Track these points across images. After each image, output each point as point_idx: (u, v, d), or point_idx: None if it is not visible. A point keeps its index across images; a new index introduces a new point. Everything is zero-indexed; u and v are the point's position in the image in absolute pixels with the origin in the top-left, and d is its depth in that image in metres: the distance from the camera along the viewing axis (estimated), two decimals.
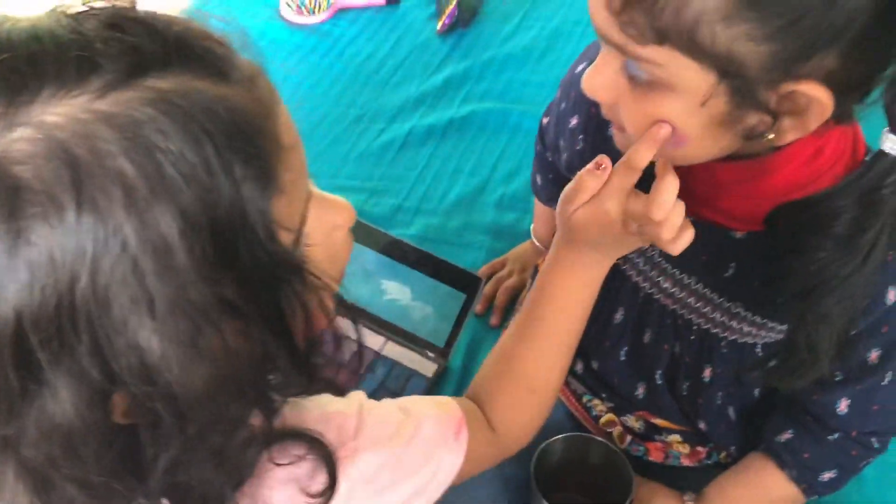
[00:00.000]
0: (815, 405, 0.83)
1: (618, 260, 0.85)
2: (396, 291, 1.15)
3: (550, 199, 1.09)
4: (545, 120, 0.99)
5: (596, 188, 0.69)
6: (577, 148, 0.86)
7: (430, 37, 1.64)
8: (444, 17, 1.63)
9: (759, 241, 0.73)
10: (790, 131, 0.61)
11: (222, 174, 0.42)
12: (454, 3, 1.62)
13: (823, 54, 0.56)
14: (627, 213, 0.68)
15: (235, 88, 0.45)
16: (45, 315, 0.40)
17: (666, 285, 0.82)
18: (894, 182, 0.61)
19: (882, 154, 0.60)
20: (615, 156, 0.75)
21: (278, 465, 0.57)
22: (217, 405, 0.47)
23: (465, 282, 1.15)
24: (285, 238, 0.48)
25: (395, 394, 1.08)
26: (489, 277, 1.22)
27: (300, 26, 1.64)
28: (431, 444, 0.69)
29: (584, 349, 0.96)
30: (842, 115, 0.64)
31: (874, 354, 0.76)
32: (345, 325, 1.12)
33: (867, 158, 0.65)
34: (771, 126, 0.61)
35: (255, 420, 0.55)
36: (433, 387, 1.10)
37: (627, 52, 0.59)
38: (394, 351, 1.13)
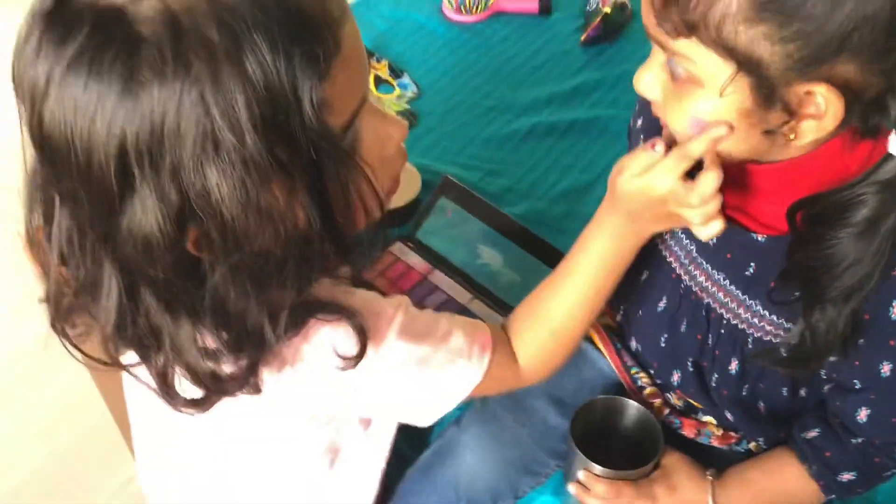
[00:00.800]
0: (839, 411, 0.89)
1: (664, 252, 0.95)
2: (490, 257, 1.29)
3: None
4: (632, 122, 1.10)
5: (647, 164, 0.78)
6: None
7: (573, 46, 1.76)
8: (588, 30, 1.74)
9: (777, 245, 0.81)
10: (809, 133, 0.70)
11: (282, 55, 0.57)
12: (600, 17, 1.73)
13: (837, 60, 0.64)
14: (672, 193, 0.77)
15: None
16: (142, 137, 0.56)
17: (701, 279, 0.90)
18: None
19: (890, 157, 0.68)
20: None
21: (318, 321, 0.70)
22: (259, 247, 0.61)
23: (553, 258, 1.26)
24: (335, 123, 0.62)
25: None
26: None
27: (457, 23, 1.81)
28: (457, 353, 0.80)
29: (632, 333, 1.06)
30: (869, 129, 0.71)
31: (886, 367, 0.81)
32: (438, 278, 1.28)
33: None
34: (789, 124, 0.69)
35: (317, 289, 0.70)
36: None
37: (665, 46, 0.70)
38: (478, 308, 1.25)
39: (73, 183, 0.59)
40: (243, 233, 0.60)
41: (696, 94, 0.70)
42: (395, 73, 1.68)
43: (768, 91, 0.67)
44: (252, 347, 0.68)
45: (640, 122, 0.97)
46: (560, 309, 0.87)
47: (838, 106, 0.66)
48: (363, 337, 0.72)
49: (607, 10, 1.74)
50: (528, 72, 1.69)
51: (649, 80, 0.75)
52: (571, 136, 1.55)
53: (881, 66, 0.65)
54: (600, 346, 1.10)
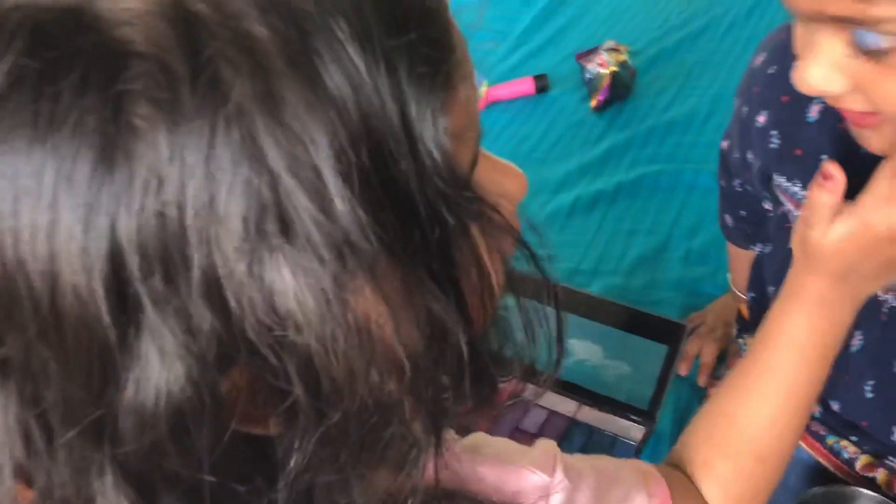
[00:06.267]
0: None
1: None
2: (585, 351, 1.03)
3: (747, 239, 0.96)
4: (725, 143, 0.89)
5: (833, 204, 0.58)
6: (772, 147, 0.74)
7: (584, 115, 1.59)
8: (598, 95, 1.58)
9: None
10: None
11: (383, 61, 0.32)
12: (607, 80, 1.58)
13: None
14: None
15: None
16: (148, 235, 0.30)
17: None
18: None
19: None
20: (815, 140, 0.63)
21: None
22: (368, 396, 0.35)
23: (665, 332, 1.01)
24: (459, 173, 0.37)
25: None
26: (689, 333, 1.08)
27: None
28: None
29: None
30: None
31: None
32: (531, 392, 0.99)
33: None
34: None
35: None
36: (641, 453, 0.95)
37: (859, 16, 0.48)
38: (590, 416, 0.99)
39: (26, 341, 0.32)
40: (342, 373, 0.34)
41: None
42: None
43: None
44: None
45: (762, 117, 0.75)
46: (764, 422, 0.62)
47: None
48: None
49: (614, 68, 1.58)
50: (547, 149, 1.51)
51: (824, 73, 0.53)
52: (621, 201, 1.35)
53: None
54: None
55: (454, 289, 0.36)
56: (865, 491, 0.75)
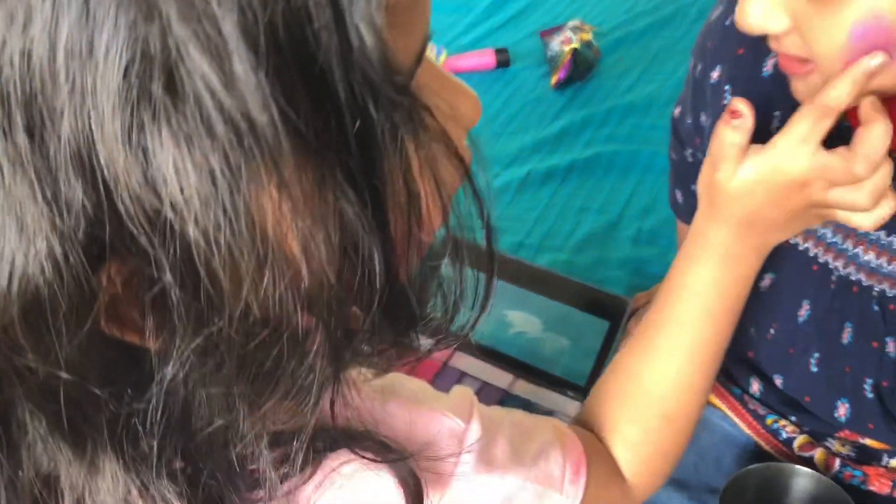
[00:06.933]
0: None
1: (796, 237, 0.68)
2: (523, 323, 0.99)
3: None
4: (677, 111, 0.85)
5: (741, 143, 0.54)
6: (725, 103, 0.71)
7: (544, 92, 1.56)
8: (558, 72, 1.55)
9: None
10: None
11: None
12: (569, 57, 1.54)
13: None
14: (817, 169, 0.52)
15: None
16: (9, 77, 0.26)
17: (868, 258, 0.64)
18: None
19: None
20: (769, 96, 0.61)
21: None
22: (257, 309, 0.30)
23: (607, 308, 0.98)
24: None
25: None
26: (632, 313, 1.05)
27: None
28: (548, 481, 0.52)
29: (761, 362, 0.77)
30: None
31: None
32: (465, 362, 0.95)
33: None
34: None
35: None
36: None
37: None
38: (526, 389, 0.95)
39: None
40: (226, 271, 0.29)
41: None
42: None
43: None
44: None
45: (716, 73, 0.71)
46: (670, 380, 0.60)
47: None
48: (416, 498, 0.44)
49: (575, 45, 1.54)
50: (504, 122, 1.47)
51: (765, 9, 0.51)
52: (574, 179, 1.32)
53: None
54: (713, 397, 0.80)
55: (374, 198, 0.31)
56: (803, 468, 0.72)
